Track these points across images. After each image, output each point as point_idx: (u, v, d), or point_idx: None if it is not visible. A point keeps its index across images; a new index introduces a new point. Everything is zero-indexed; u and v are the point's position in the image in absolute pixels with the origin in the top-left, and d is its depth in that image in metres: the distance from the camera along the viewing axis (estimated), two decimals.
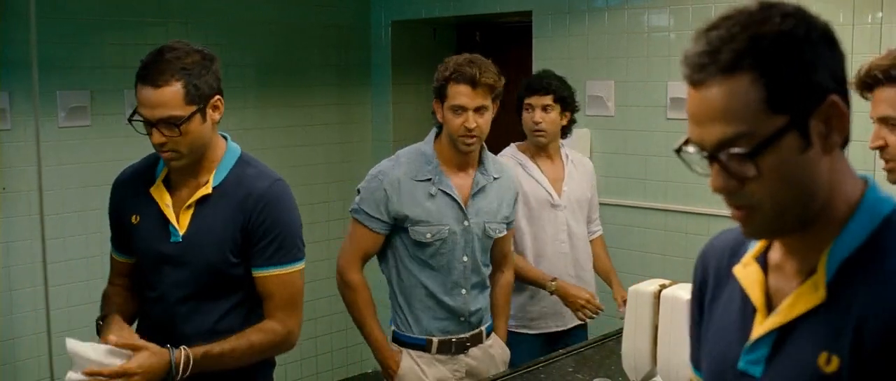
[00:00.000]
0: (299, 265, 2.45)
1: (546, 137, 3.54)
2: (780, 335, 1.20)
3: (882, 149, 2.03)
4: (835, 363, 1.12)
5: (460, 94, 2.86)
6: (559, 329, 3.63)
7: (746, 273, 1.28)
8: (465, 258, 2.98)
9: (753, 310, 1.25)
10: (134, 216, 2.44)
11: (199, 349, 2.27)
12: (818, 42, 1.13)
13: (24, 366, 4.28)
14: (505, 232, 3.12)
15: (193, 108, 2.27)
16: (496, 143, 3.86)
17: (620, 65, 4.49)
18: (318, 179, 5.29)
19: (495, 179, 3.05)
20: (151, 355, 2.20)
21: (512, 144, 3.66)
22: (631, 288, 2.43)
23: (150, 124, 2.27)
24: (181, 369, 2.23)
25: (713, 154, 1.15)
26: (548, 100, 3.50)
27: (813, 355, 1.15)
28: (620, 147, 4.54)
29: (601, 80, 4.56)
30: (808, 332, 1.17)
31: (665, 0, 4.31)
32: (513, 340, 3.36)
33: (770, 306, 1.23)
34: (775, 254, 1.26)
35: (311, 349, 5.34)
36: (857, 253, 1.15)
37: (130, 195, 2.47)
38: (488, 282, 3.12)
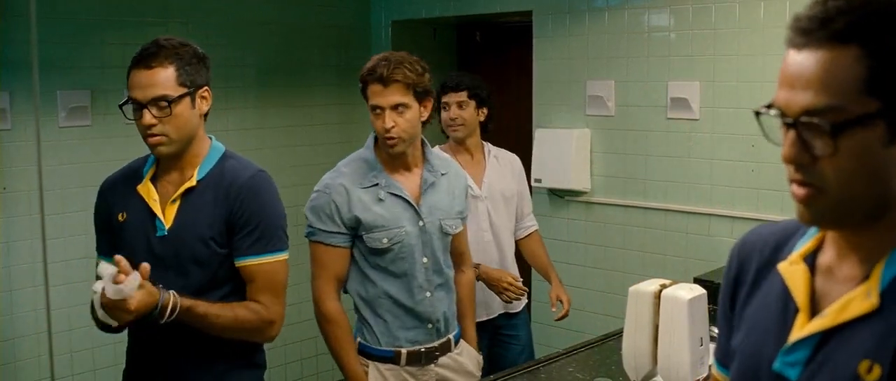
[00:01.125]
0: (282, 255, 2.48)
1: (462, 130, 3.69)
2: (823, 339, 1.15)
3: None
4: (876, 373, 1.08)
5: (374, 93, 2.81)
6: (487, 318, 3.71)
7: (792, 271, 1.23)
8: (425, 259, 2.90)
9: (795, 310, 1.20)
10: (121, 215, 2.48)
11: (188, 302, 2.31)
12: None
13: (24, 366, 4.28)
14: (461, 227, 3.05)
15: (184, 90, 2.36)
16: (492, 141, 3.88)
17: (620, 65, 4.48)
18: (318, 180, 5.28)
19: (443, 175, 2.98)
20: (147, 293, 2.22)
21: (436, 147, 3.59)
22: (631, 288, 2.42)
23: (141, 106, 2.33)
24: (168, 313, 2.27)
25: (795, 121, 1.10)
26: (462, 96, 3.65)
27: (855, 361, 1.11)
28: (620, 147, 4.54)
29: (601, 80, 4.56)
30: (853, 338, 1.12)
31: (665, 0, 4.31)
32: None
33: (813, 309, 1.19)
34: (826, 257, 1.21)
35: (311, 349, 5.33)
36: None
37: (118, 196, 2.51)
38: (452, 284, 3.04)
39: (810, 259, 1.23)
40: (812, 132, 1.09)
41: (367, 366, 2.93)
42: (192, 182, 2.42)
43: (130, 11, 4.50)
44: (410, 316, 2.90)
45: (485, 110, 3.76)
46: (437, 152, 3.08)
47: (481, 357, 3.17)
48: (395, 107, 2.78)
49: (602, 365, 2.86)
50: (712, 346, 2.40)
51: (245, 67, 4.99)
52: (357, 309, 2.96)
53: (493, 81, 5.67)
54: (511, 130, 5.45)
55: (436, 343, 2.96)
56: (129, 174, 2.53)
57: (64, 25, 4.27)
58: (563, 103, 4.75)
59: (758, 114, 1.16)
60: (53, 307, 3.86)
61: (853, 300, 1.13)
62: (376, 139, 2.91)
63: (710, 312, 2.38)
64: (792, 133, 1.11)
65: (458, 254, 3.12)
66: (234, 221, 2.40)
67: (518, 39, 5.21)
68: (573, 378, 2.79)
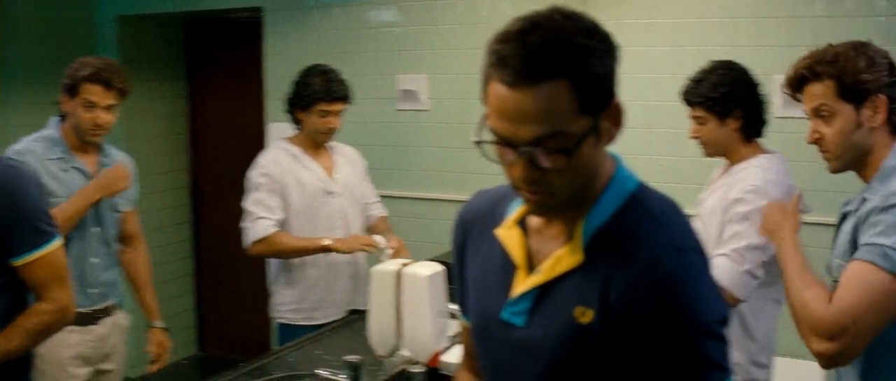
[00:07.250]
0: (57, 242, 2.39)
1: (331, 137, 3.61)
2: (542, 291, 1.38)
3: (819, 142, 2.15)
4: (589, 315, 1.31)
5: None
6: (334, 319, 3.53)
7: (508, 235, 1.45)
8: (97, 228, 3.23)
9: (514, 268, 1.42)
10: None
11: None
12: (611, 53, 1.29)
13: None
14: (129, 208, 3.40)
15: None
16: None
17: (351, 59, 4.63)
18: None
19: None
20: None
21: (284, 139, 3.64)
22: (372, 269, 2.57)
23: None
24: None
25: (524, 149, 1.26)
26: (341, 106, 3.51)
27: (571, 308, 1.33)
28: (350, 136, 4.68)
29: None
30: (567, 289, 1.35)
31: None
32: (293, 332, 3.44)
33: (531, 265, 1.41)
34: (534, 220, 1.43)
35: None
36: (608, 223, 1.34)
37: None
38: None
39: (522, 223, 1.46)
40: (542, 154, 1.26)
41: None
42: None
43: None
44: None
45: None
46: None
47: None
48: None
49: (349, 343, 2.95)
50: (451, 321, 2.60)
51: None
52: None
53: (225, 76, 5.62)
54: (246, 126, 5.44)
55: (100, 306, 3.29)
56: None
57: None
58: None
59: (478, 143, 1.32)
60: None
61: (563, 257, 1.36)
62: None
63: (449, 289, 2.55)
64: (523, 159, 1.27)
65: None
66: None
67: (250, 35, 5.23)
68: (318, 358, 2.87)
